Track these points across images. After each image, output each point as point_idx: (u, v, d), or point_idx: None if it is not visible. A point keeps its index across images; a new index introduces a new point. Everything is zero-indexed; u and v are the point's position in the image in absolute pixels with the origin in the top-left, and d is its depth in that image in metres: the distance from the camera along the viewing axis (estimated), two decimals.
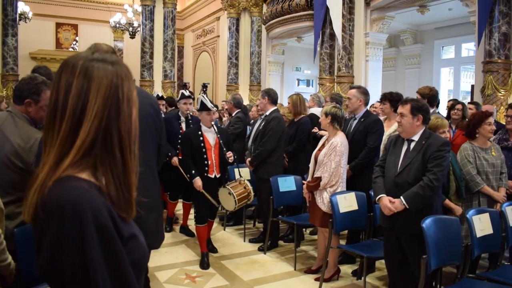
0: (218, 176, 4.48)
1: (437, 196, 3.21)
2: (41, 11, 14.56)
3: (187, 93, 5.36)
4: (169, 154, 4.93)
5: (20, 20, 12.25)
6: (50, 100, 0.99)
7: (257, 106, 5.39)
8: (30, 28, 13.84)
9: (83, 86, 0.97)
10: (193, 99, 5.62)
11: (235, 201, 4.35)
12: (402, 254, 3.24)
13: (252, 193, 4.57)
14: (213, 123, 4.44)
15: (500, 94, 6.26)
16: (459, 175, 3.70)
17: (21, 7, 12.39)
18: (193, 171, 4.30)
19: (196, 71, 16.80)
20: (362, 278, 3.78)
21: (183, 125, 5.30)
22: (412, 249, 3.13)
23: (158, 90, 13.26)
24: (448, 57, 11.14)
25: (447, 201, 3.60)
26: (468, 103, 5.88)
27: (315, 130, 5.39)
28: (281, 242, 5.18)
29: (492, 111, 5.26)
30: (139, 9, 13.32)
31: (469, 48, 10.62)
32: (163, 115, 4.78)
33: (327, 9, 8.96)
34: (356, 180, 4.30)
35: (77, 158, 0.96)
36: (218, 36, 14.80)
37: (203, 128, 4.43)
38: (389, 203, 3.15)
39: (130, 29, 13.35)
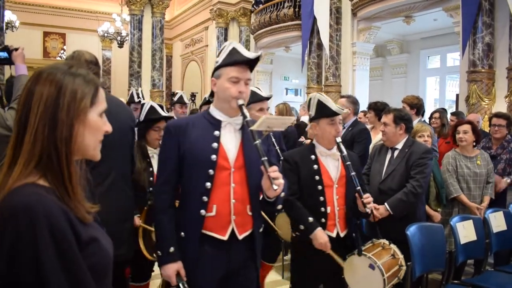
0: (342, 235, 2.62)
1: (420, 202, 3.26)
2: (28, 20, 14.48)
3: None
4: None
5: (7, 28, 12.17)
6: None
7: None
8: (17, 37, 13.71)
9: (29, 91, 0.97)
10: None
11: (384, 280, 2.41)
12: None
13: (404, 266, 2.62)
14: (339, 140, 2.52)
15: (484, 103, 6.37)
16: (440, 182, 3.76)
17: (8, 15, 12.32)
18: (310, 218, 2.51)
19: (184, 80, 16.81)
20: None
21: None
22: None
23: (146, 100, 13.20)
24: (434, 66, 11.30)
25: (426, 207, 3.64)
26: (451, 113, 5.97)
27: (302, 139, 5.41)
28: None
29: (478, 120, 5.37)
30: (128, 18, 13.32)
31: (454, 58, 10.77)
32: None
33: (314, 19, 9.07)
34: None
35: (29, 166, 0.95)
36: (207, 45, 14.86)
37: (320, 149, 2.62)
38: (374, 210, 3.18)
39: (118, 38, 13.34)
